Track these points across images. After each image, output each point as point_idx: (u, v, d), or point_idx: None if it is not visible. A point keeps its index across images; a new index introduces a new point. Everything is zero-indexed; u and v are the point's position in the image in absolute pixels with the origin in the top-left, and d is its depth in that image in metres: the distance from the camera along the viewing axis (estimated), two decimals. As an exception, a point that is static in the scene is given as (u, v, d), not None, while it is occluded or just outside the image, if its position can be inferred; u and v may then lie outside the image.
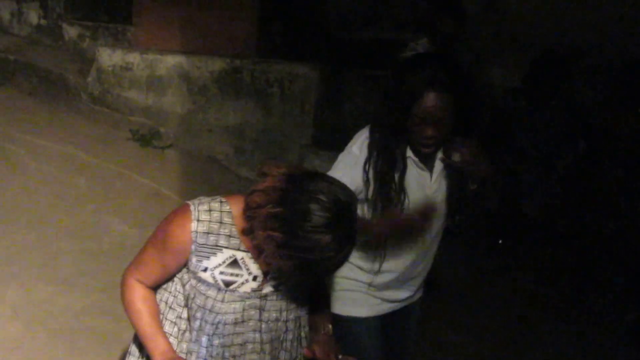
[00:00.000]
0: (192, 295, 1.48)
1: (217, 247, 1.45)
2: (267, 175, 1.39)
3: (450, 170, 1.88)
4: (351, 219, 1.37)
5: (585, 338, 3.34)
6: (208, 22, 5.02)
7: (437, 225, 1.95)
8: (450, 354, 3.14)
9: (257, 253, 1.45)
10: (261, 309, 1.50)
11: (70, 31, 5.85)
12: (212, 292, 1.46)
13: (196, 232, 1.44)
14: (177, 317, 1.55)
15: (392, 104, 1.80)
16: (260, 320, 1.49)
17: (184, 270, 1.52)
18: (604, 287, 3.76)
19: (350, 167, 1.83)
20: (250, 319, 1.49)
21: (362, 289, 1.98)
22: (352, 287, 1.97)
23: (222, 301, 1.46)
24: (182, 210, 1.48)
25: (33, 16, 6.05)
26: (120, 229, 3.68)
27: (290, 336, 1.56)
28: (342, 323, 1.96)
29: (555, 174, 4.08)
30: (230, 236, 1.46)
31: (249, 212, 1.40)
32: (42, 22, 6.03)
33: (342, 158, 1.88)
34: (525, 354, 3.18)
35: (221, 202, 1.48)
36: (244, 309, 1.48)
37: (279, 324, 1.53)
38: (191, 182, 4.33)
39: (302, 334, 1.61)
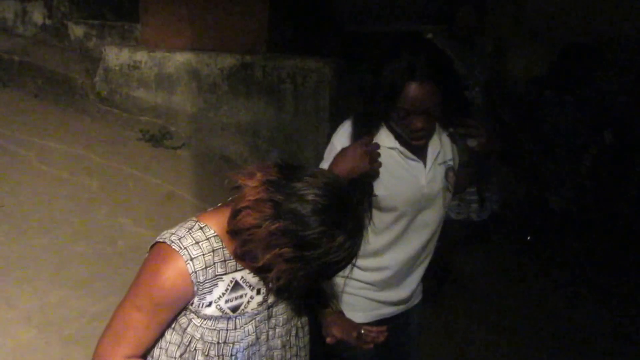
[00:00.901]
0: (197, 337, 1.33)
1: (216, 278, 1.31)
2: (243, 188, 1.25)
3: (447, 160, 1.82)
4: (350, 203, 1.26)
5: (619, 331, 3.23)
6: (217, 18, 4.91)
7: (436, 217, 1.84)
8: (482, 353, 3.03)
9: (258, 272, 1.33)
10: (269, 318, 1.40)
11: (76, 30, 5.76)
12: (222, 324, 1.33)
13: (195, 272, 1.27)
14: None
15: (372, 99, 1.69)
16: (268, 329, 1.41)
17: (180, 314, 1.35)
18: (637, 278, 3.66)
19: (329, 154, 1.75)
20: (262, 334, 1.39)
21: (361, 292, 1.86)
22: (350, 289, 1.85)
23: (235, 328, 1.34)
24: (165, 256, 1.28)
25: (38, 16, 5.96)
26: (134, 231, 3.58)
27: (293, 332, 1.47)
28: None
29: (582, 166, 3.98)
30: (225, 260, 1.32)
31: (243, 236, 1.24)
32: (47, 21, 5.94)
33: (326, 152, 1.79)
34: (559, 351, 3.07)
35: (201, 227, 1.32)
36: (256, 327, 1.38)
37: (286, 327, 1.44)
38: (205, 183, 4.23)
39: (300, 324, 1.50)
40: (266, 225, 1.19)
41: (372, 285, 1.86)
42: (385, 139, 1.73)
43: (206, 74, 4.84)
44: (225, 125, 4.76)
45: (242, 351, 1.36)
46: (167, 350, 1.36)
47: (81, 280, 3.13)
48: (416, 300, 1.99)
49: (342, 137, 1.76)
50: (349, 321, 1.55)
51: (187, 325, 1.33)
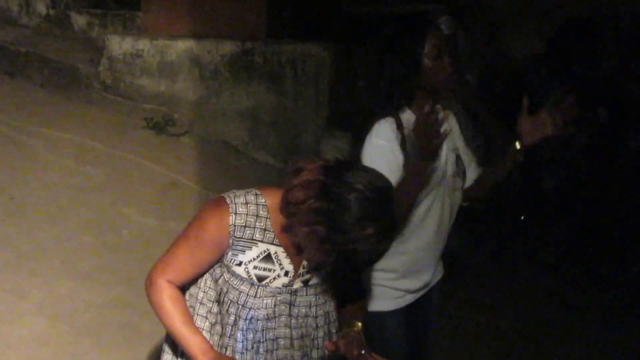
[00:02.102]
0: (224, 290, 1.48)
1: (252, 241, 1.44)
2: (303, 170, 1.37)
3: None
4: (391, 206, 1.36)
5: (611, 312, 3.30)
6: (217, 5, 4.94)
7: (452, 201, 1.94)
8: (472, 332, 3.11)
9: (295, 249, 1.44)
10: (291, 305, 1.49)
11: (79, 20, 5.81)
12: (245, 287, 1.46)
13: (234, 225, 1.43)
14: (207, 311, 1.54)
15: (403, 59, 1.79)
16: (290, 315, 1.49)
17: (217, 264, 1.51)
18: (629, 259, 3.70)
19: (380, 157, 1.78)
20: (281, 315, 1.48)
21: (385, 281, 1.95)
22: (375, 280, 1.95)
23: (255, 296, 1.46)
24: (218, 203, 1.46)
25: (41, 6, 6.02)
26: (139, 220, 3.67)
27: (320, 333, 1.55)
28: (368, 318, 1.94)
29: (576, 145, 3.99)
30: (265, 230, 1.45)
31: (289, 209, 1.38)
32: (51, 12, 5.99)
33: (368, 154, 1.81)
34: (551, 329, 3.15)
35: (256, 194, 1.47)
36: (275, 305, 1.47)
37: (309, 319, 1.52)
38: (208, 170, 4.31)
39: (333, 329, 1.59)
40: (310, 202, 1.32)
41: (393, 273, 1.94)
42: (408, 112, 1.84)
43: (207, 60, 4.90)
44: (227, 111, 4.82)
45: (257, 320, 1.46)
46: (206, 292, 1.53)
47: (89, 271, 3.22)
48: (437, 278, 2.09)
49: (386, 133, 1.79)
50: (359, 342, 1.59)
51: (219, 277, 1.49)
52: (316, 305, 1.53)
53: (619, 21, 4.33)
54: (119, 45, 5.15)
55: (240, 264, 1.45)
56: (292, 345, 1.50)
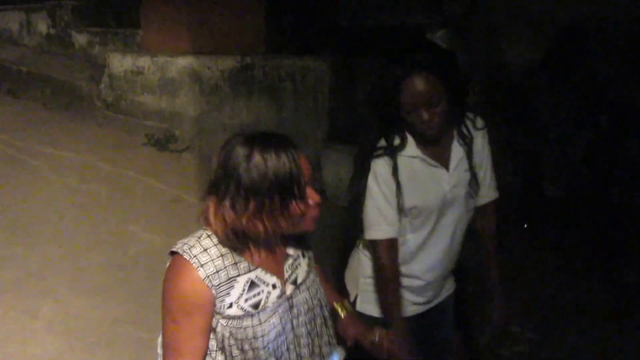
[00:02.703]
0: (227, 335, 1.44)
1: (231, 280, 1.41)
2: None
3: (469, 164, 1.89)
4: (272, 133, 1.40)
5: (619, 313, 3.33)
6: (216, 21, 5.01)
7: (460, 223, 1.95)
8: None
9: (267, 248, 1.46)
10: (291, 308, 1.51)
11: (80, 39, 5.88)
12: (247, 322, 1.44)
13: (207, 277, 1.38)
14: None
15: (381, 102, 1.79)
16: (292, 318, 1.51)
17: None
18: (632, 262, 3.73)
19: (380, 199, 1.84)
20: (287, 323, 1.50)
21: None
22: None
23: (260, 323, 1.45)
24: (178, 266, 1.39)
25: (42, 26, 6.09)
26: (144, 237, 3.71)
27: (319, 321, 1.58)
28: (375, 324, 1.98)
29: (577, 152, 4.02)
30: (236, 263, 1.43)
31: (232, 227, 1.38)
32: (51, 31, 6.07)
33: (370, 198, 1.87)
34: (561, 333, 3.18)
35: (208, 235, 1.43)
36: (280, 318, 1.48)
37: (309, 315, 1.54)
38: (210, 185, 4.34)
39: (326, 313, 1.62)
40: (227, 198, 1.35)
41: (405, 288, 1.97)
42: (408, 147, 1.83)
43: (208, 76, 4.96)
44: (227, 126, 4.87)
45: (272, 342, 1.46)
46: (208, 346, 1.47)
47: (98, 288, 3.26)
48: (450, 291, 2.11)
49: (379, 177, 1.82)
50: (364, 323, 1.66)
51: (216, 326, 1.43)
52: (311, 298, 1.55)
53: (615, 27, 4.36)
54: (120, 62, 5.21)
55: (231, 305, 1.41)
56: (299, 344, 1.52)
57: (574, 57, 3.84)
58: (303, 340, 1.53)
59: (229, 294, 1.40)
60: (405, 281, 1.96)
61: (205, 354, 1.44)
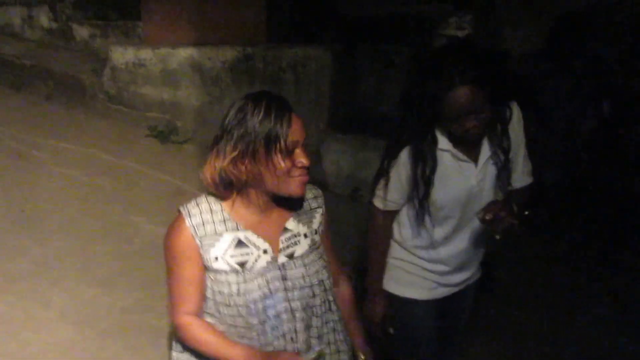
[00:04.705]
0: (216, 290, 1.52)
1: (217, 235, 1.50)
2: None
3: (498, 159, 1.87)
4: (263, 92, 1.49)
5: (621, 298, 3.35)
6: (216, 12, 5.01)
7: None
8: (491, 323, 3.16)
9: (269, 206, 1.53)
10: (284, 279, 1.54)
11: (81, 31, 5.89)
12: (232, 277, 1.51)
13: (192, 226, 1.49)
14: (217, 321, 1.58)
15: (420, 110, 1.77)
16: (285, 289, 1.54)
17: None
18: (636, 246, 3.74)
19: (394, 180, 1.91)
20: (277, 291, 1.53)
21: (419, 271, 2.03)
22: (410, 269, 2.03)
23: (245, 282, 1.51)
24: (174, 220, 1.53)
25: (43, 19, 6.10)
26: (148, 228, 3.74)
27: (318, 301, 1.60)
28: (397, 302, 2.05)
29: (580, 139, 4.01)
30: (225, 220, 1.51)
31: (229, 175, 1.46)
32: (53, 24, 6.08)
33: (386, 176, 1.93)
34: (565, 320, 3.21)
35: (205, 195, 1.55)
36: (267, 282, 1.52)
37: (305, 290, 1.57)
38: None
39: (330, 297, 1.65)
40: (227, 150, 1.45)
41: (431, 272, 2.02)
42: (440, 141, 1.85)
43: (209, 67, 4.97)
44: (230, 118, 4.87)
45: (257, 302, 1.51)
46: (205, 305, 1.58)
47: (107, 277, 3.31)
48: (473, 279, 2.13)
49: (402, 163, 1.87)
50: None
51: (208, 288, 1.54)
52: (308, 276, 1.58)
53: (616, 15, 4.34)
54: (122, 55, 5.22)
55: (217, 258, 1.50)
56: (294, 317, 1.55)
57: (577, 43, 3.82)
58: (298, 314, 1.56)
59: (214, 246, 1.50)
60: (431, 266, 2.01)
61: (200, 305, 1.55)
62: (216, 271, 1.51)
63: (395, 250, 2.06)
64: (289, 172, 1.45)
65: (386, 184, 1.91)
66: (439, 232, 1.95)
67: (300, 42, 4.83)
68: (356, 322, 1.80)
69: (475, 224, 1.89)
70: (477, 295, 2.20)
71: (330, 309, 1.64)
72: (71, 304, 3.10)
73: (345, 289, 1.78)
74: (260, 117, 1.42)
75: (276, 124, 1.41)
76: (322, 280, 1.60)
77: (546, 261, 3.71)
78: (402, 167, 1.87)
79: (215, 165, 1.46)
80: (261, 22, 4.94)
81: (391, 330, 2.05)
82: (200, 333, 1.55)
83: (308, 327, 1.58)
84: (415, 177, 1.85)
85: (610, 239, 3.83)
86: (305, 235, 1.60)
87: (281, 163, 1.43)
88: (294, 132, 1.43)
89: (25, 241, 3.55)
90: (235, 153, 1.43)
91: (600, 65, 4.03)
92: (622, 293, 3.39)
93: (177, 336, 1.61)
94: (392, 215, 2.00)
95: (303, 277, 1.56)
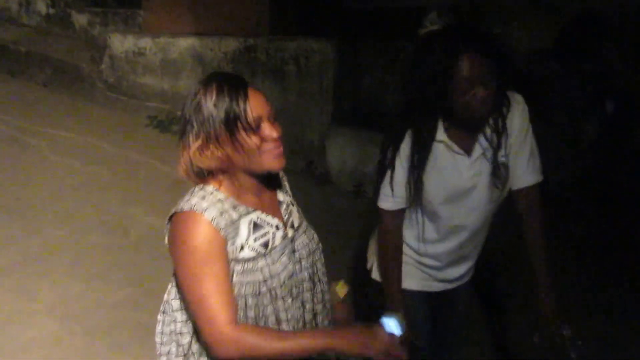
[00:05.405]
0: (243, 281, 1.41)
1: (235, 222, 1.41)
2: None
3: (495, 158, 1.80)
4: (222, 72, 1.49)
5: (625, 301, 3.31)
6: (219, 2, 4.93)
7: (480, 213, 1.88)
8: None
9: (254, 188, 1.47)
10: (294, 252, 1.51)
11: (80, 19, 5.80)
12: (261, 262, 1.42)
13: (214, 218, 1.37)
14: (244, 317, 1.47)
15: (428, 84, 1.69)
16: (295, 262, 1.50)
17: None
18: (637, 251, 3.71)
19: (399, 173, 1.83)
20: (295, 265, 1.50)
21: (412, 261, 1.97)
22: (403, 259, 1.96)
23: (273, 263, 1.44)
24: (185, 219, 1.37)
25: (41, 5, 6.01)
26: (146, 220, 3.67)
27: (319, 265, 1.59)
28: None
29: (584, 140, 3.98)
30: (234, 207, 1.42)
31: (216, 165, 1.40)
32: (51, 11, 5.99)
33: (391, 171, 1.85)
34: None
35: (202, 187, 1.42)
36: (288, 259, 1.48)
37: (310, 258, 1.55)
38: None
39: (322, 260, 1.62)
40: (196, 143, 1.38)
41: (424, 266, 1.97)
42: (437, 132, 1.77)
43: (210, 58, 4.89)
44: (231, 109, 4.80)
45: (287, 281, 1.46)
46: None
47: (98, 271, 3.22)
48: (465, 279, 2.06)
49: (402, 151, 1.80)
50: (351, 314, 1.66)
51: (232, 275, 1.40)
52: (309, 242, 1.56)
53: (626, 17, 4.31)
54: (121, 43, 5.14)
55: (242, 248, 1.41)
56: (303, 289, 1.52)
57: (586, 45, 3.77)
58: (305, 285, 1.52)
59: (238, 234, 1.41)
60: (422, 259, 1.96)
61: (236, 303, 1.40)
62: (244, 261, 1.41)
63: None
64: (259, 148, 1.38)
65: (391, 177, 1.83)
66: (429, 230, 1.89)
67: (304, 35, 4.76)
68: None
69: (470, 225, 1.86)
70: (472, 302, 2.14)
71: (325, 268, 1.63)
72: (59, 297, 3.02)
73: None
74: (213, 100, 1.36)
75: (232, 103, 1.36)
76: (319, 244, 1.59)
77: (550, 260, 3.66)
78: (404, 155, 1.80)
79: (185, 158, 1.40)
80: (264, 14, 4.87)
81: (416, 341, 1.89)
82: (254, 337, 1.38)
83: (313, 297, 1.56)
84: (412, 163, 1.79)
85: (615, 238, 3.79)
86: (292, 204, 1.59)
87: (247, 141, 1.37)
88: (255, 107, 1.37)
89: (16, 231, 3.47)
90: (199, 142, 1.37)
91: (609, 68, 4.00)
92: (625, 297, 3.35)
93: (218, 354, 1.38)
94: (401, 214, 1.90)
95: (306, 245, 1.54)
